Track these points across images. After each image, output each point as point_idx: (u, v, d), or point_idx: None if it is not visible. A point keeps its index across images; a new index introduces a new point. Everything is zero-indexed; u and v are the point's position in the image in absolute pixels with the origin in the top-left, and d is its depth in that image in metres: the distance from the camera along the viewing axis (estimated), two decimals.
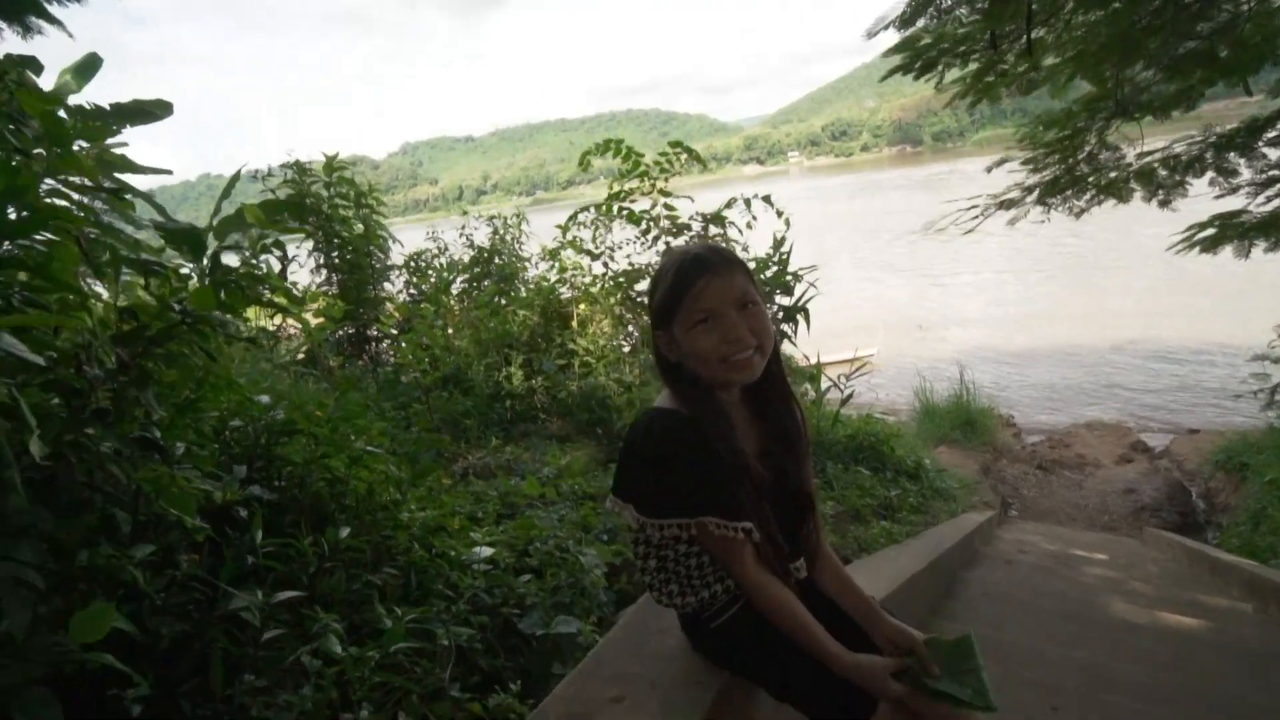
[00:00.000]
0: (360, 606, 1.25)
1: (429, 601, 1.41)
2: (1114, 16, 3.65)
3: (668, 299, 0.99)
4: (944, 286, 18.35)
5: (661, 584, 1.02)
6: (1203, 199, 4.24)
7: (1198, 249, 4.56)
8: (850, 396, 5.49)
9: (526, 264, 6.19)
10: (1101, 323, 13.02)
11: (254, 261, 5.28)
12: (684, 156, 4.86)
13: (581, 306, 4.39)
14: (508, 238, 6.45)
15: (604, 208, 4.97)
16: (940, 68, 3.71)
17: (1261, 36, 3.57)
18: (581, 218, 5.00)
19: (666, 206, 4.85)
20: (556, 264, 4.77)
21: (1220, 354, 10.38)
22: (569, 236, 4.87)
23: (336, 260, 5.70)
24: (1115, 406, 9.54)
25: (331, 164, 5.48)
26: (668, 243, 4.91)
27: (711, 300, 0.96)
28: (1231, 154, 4.12)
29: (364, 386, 4.24)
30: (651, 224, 4.88)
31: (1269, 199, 4.17)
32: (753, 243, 5.04)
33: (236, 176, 5.43)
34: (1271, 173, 4.07)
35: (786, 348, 5.46)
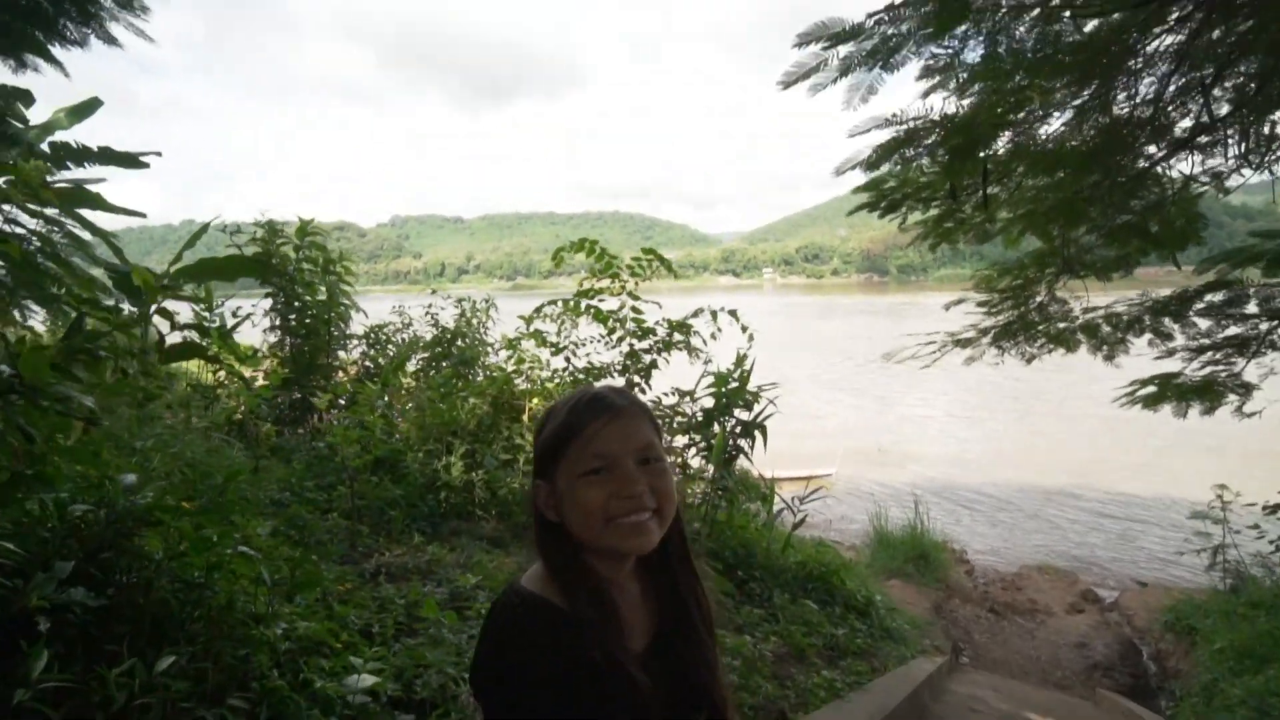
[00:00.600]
0: None
1: None
2: (1058, 185, 3.95)
3: (554, 439, 0.82)
4: (903, 413, 18.80)
5: None
6: (1147, 356, 4.43)
7: (1140, 404, 4.73)
8: (803, 520, 5.33)
9: (490, 349, 6.10)
10: (1051, 465, 13.34)
11: (206, 315, 5.03)
12: (655, 264, 4.95)
13: (535, 401, 4.26)
14: (474, 321, 6.40)
15: (571, 303, 4.97)
16: (904, 210, 3.91)
17: (1184, 219, 3.90)
18: (548, 310, 4.98)
19: (634, 309, 4.87)
20: (515, 354, 4.68)
21: (1160, 507, 10.62)
22: (532, 328, 4.81)
23: (294, 323, 5.53)
24: (1062, 552, 9.55)
25: (305, 228, 5.44)
26: (631, 344, 4.89)
27: (608, 445, 0.80)
28: (1166, 319, 4.36)
29: (294, 460, 3.95)
30: (618, 324, 4.87)
31: (1202, 364, 4.39)
32: (717, 355, 5.06)
33: (204, 228, 5.30)
34: (1202, 341, 4.31)
35: (743, 463, 5.36)
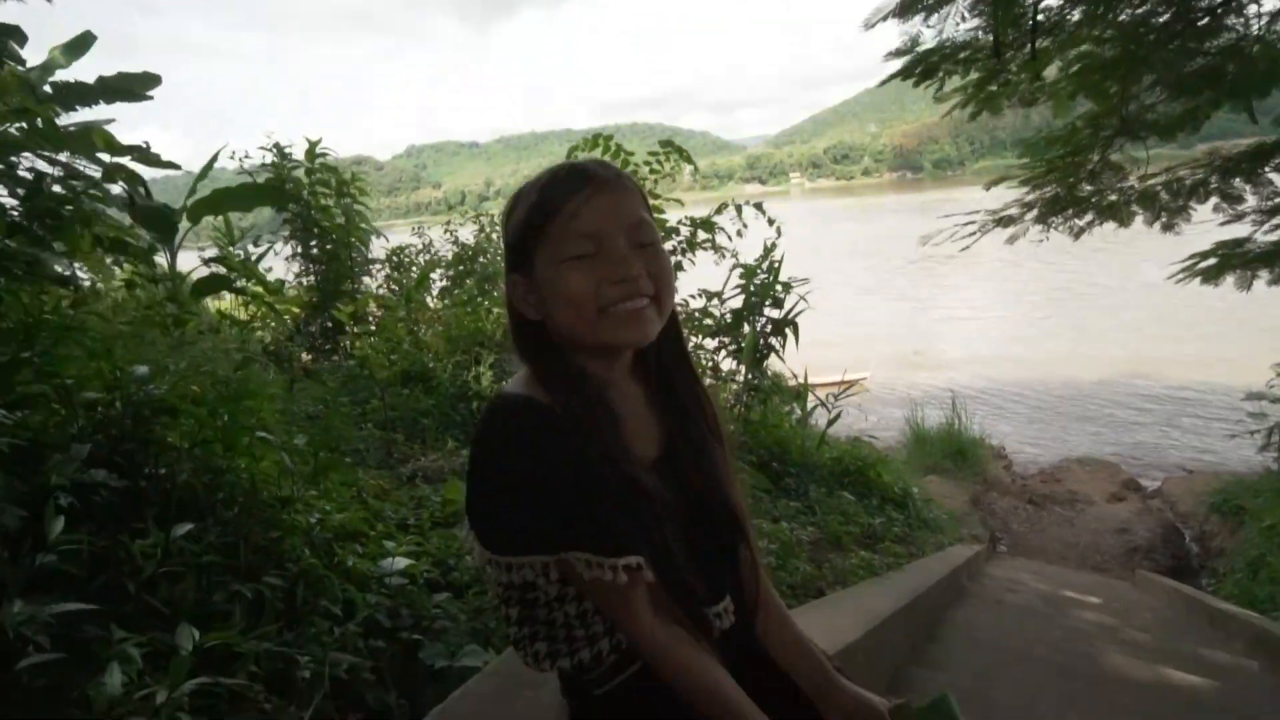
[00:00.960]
0: (214, 623, 1.02)
1: (310, 621, 1.18)
2: (1121, 31, 3.52)
3: (528, 223, 0.69)
4: (940, 315, 18.27)
5: (526, 640, 0.72)
6: (1207, 226, 4.09)
7: (1199, 279, 4.42)
8: (838, 417, 5.29)
9: None
10: (1096, 359, 12.91)
11: (231, 249, 5.00)
12: (675, 160, 4.70)
13: None
14: (494, 236, 6.28)
15: None
16: (941, 74, 3.57)
17: (1269, 59, 3.45)
18: None
19: (654, 208, 4.68)
20: None
21: (1213, 393, 10.25)
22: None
23: (314, 250, 5.50)
24: (1106, 443, 9.38)
25: (313, 150, 5.29)
26: None
27: (594, 223, 0.67)
28: (1236, 179, 3.98)
29: (327, 380, 4.01)
30: None
31: (1274, 227, 4.04)
32: (744, 255, 4.86)
33: (214, 158, 5.16)
34: (1277, 200, 3.94)
35: (775, 365, 5.27)
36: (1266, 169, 3.91)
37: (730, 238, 4.84)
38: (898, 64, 3.49)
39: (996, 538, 5.97)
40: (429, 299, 5.63)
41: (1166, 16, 3.48)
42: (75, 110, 2.99)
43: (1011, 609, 2.92)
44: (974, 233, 4.17)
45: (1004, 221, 4.16)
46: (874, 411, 10.70)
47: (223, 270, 4.44)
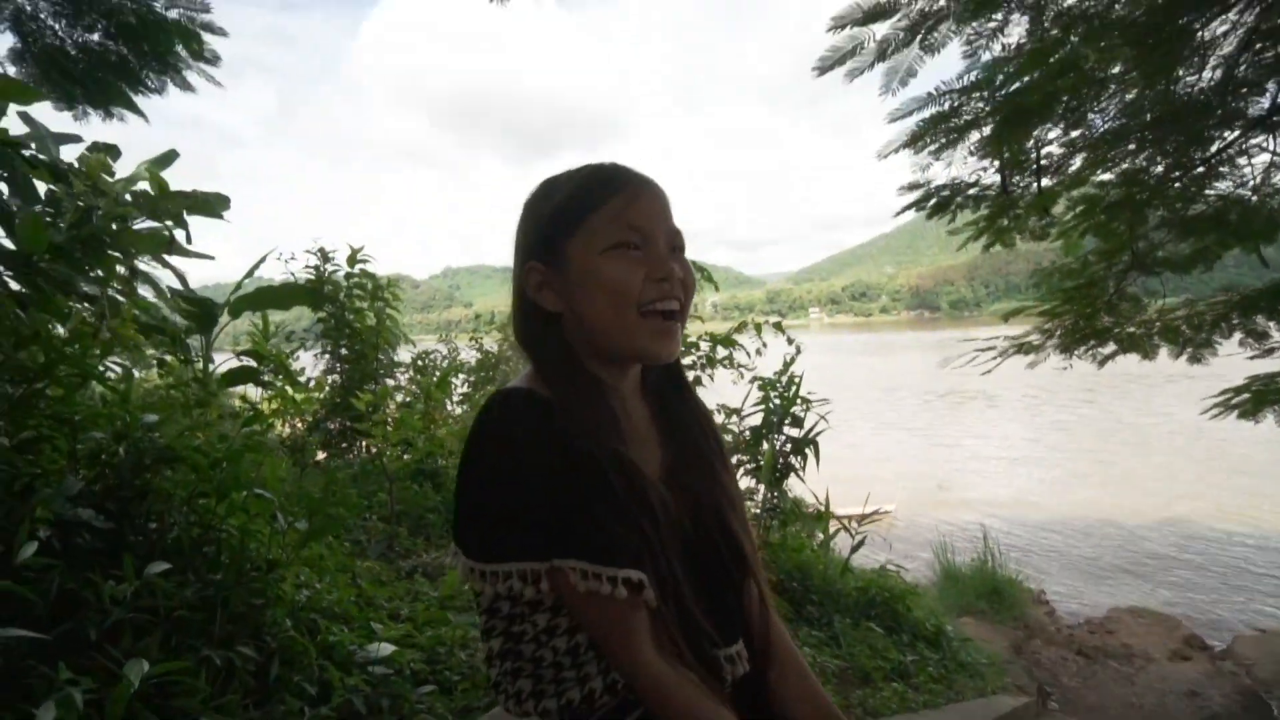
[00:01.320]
0: (177, 686, 0.93)
1: (281, 699, 1.07)
2: (1122, 176, 3.73)
3: (566, 212, 0.68)
4: (963, 452, 17.86)
5: (508, 677, 0.64)
6: (1236, 359, 4.06)
7: (1235, 413, 4.30)
8: (862, 543, 5.02)
9: None
10: (1130, 501, 12.33)
11: (263, 342, 5.19)
12: (698, 276, 4.89)
13: None
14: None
15: None
16: (953, 208, 3.76)
17: (1270, 208, 3.60)
18: None
19: None
20: None
21: (1266, 540, 9.61)
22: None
23: (344, 350, 5.69)
24: (1154, 593, 8.69)
25: (355, 255, 5.64)
26: None
27: (642, 218, 0.67)
28: (1258, 316, 4.00)
29: (340, 475, 3.98)
30: None
31: None
32: (763, 374, 4.90)
33: (262, 260, 5.50)
34: None
35: (796, 488, 5.10)
36: None
37: (750, 355, 4.91)
38: (911, 197, 3.71)
39: (1045, 691, 5.37)
40: (449, 403, 5.70)
41: (1163, 165, 3.69)
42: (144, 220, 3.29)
43: None
44: (995, 357, 4.18)
45: (1025, 348, 4.18)
46: (899, 545, 10.16)
47: (252, 363, 4.60)
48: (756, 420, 4.86)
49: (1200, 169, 3.63)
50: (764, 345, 5.03)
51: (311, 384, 4.41)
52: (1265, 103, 3.26)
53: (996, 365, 4.19)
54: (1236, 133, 3.44)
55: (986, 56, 2.74)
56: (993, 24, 2.56)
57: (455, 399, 5.97)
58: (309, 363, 5.16)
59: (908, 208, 3.90)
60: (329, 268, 5.28)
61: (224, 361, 4.32)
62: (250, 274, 4.76)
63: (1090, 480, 14.24)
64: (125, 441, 1.15)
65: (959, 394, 24.27)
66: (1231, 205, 3.65)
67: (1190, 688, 5.59)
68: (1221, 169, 3.62)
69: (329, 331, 5.35)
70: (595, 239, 0.67)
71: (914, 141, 2.69)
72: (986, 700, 3.43)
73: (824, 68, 2.69)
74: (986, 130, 2.85)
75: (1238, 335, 4.06)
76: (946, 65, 2.78)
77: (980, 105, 2.76)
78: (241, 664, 1.10)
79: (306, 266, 5.33)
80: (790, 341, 4.99)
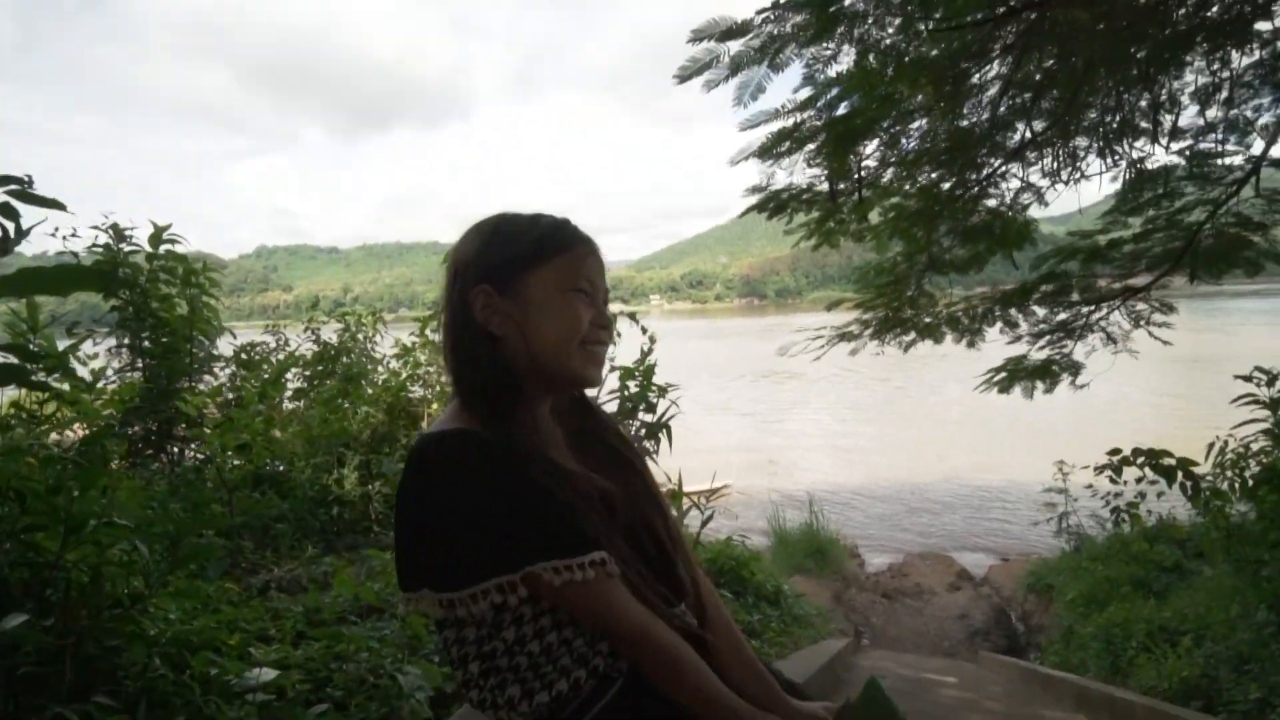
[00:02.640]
0: None
1: None
2: (920, 190, 4.41)
3: (532, 251, 0.77)
4: (788, 427, 19.86)
5: (495, 689, 0.70)
6: (999, 343, 5.00)
7: (995, 389, 5.32)
8: (711, 517, 5.43)
9: (378, 366, 5.72)
10: (921, 463, 14.62)
11: (30, 334, 4.35)
12: None
13: (434, 406, 4.04)
14: (360, 336, 6.00)
15: None
16: (789, 211, 4.19)
17: (1020, 222, 4.49)
18: (443, 317, 4.77)
19: None
20: (410, 359, 4.43)
21: (1016, 488, 11.94)
22: (426, 335, 4.59)
23: (147, 343, 4.88)
24: (937, 536, 10.46)
25: (159, 235, 4.86)
26: None
27: (594, 273, 0.79)
28: (1012, 309, 4.98)
29: (153, 488, 3.45)
30: None
31: (1040, 348, 5.04)
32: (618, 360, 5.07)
33: (25, 231, 4.61)
34: (1040, 326, 4.96)
35: (650, 468, 5.37)
36: (1029, 302, 4.94)
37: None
38: (755, 199, 4.06)
39: (859, 631, 6.26)
40: (283, 400, 5.15)
41: (950, 183, 4.43)
42: None
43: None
44: (823, 345, 4.73)
45: (846, 336, 4.78)
46: (739, 516, 11.12)
47: (12, 359, 3.80)
48: (613, 407, 5.03)
49: (975, 188, 4.41)
50: (619, 335, 5.21)
51: (112, 383, 3.76)
52: (1017, 138, 4.01)
53: (824, 352, 4.75)
54: (999, 160, 4.20)
55: (822, 78, 3.10)
56: (828, 51, 2.90)
57: (288, 395, 5.41)
58: (102, 359, 4.37)
59: (751, 209, 4.27)
60: (125, 248, 4.49)
61: None
62: (5, 251, 3.91)
63: (888, 448, 16.61)
64: None
65: (780, 375, 26.89)
66: (996, 219, 4.47)
67: (960, 612, 6.87)
68: (989, 189, 4.42)
69: (126, 322, 4.56)
70: (557, 279, 0.77)
71: (764, 153, 2.97)
72: (817, 646, 3.95)
73: (684, 77, 2.86)
74: (820, 143, 3.22)
75: (999, 325, 5.03)
76: (792, 81, 3.09)
77: (817, 123, 3.11)
78: (100, 717, 0.97)
79: (93, 246, 4.48)
80: (644, 331, 5.22)
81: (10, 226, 1.39)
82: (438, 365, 4.53)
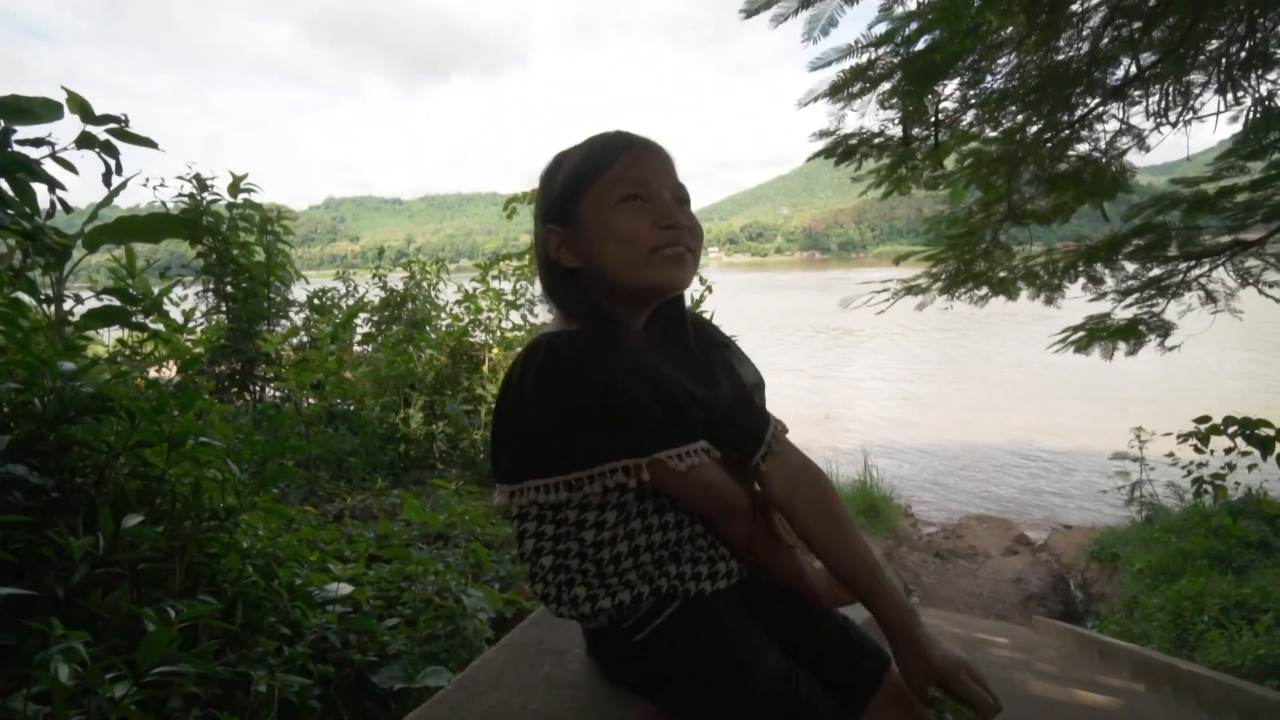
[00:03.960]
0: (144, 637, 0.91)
1: (256, 641, 1.08)
2: (1004, 135, 4.09)
3: (577, 175, 0.75)
4: (844, 383, 19.41)
5: (563, 586, 0.74)
6: (1079, 301, 4.68)
7: (1072, 349, 5.01)
8: None
9: (441, 313, 5.90)
10: (984, 424, 14.07)
11: (128, 280, 4.66)
12: None
13: (495, 351, 4.15)
14: (424, 284, 6.18)
15: (526, 259, 4.85)
16: (858, 157, 3.98)
17: (1115, 170, 4.11)
18: (503, 266, 4.84)
19: None
20: (471, 306, 4.54)
21: (1086, 455, 11.39)
22: (489, 283, 4.67)
23: (230, 288, 5.18)
24: (999, 500, 10.14)
25: (237, 184, 5.09)
26: None
27: (645, 174, 0.75)
28: (1097, 264, 4.63)
29: (239, 420, 3.72)
30: None
31: (1127, 306, 4.69)
32: None
33: (124, 183, 4.89)
34: (1129, 283, 4.60)
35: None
36: (1118, 256, 4.57)
37: None
38: (822, 144, 3.86)
39: (909, 589, 6.22)
40: (353, 343, 5.42)
41: (1038, 126, 4.09)
42: None
43: None
44: (889, 298, 4.56)
45: (914, 290, 4.58)
46: None
47: (116, 303, 4.09)
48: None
49: (1066, 132, 4.06)
50: None
51: (200, 325, 4.02)
52: (1119, 74, 3.64)
53: (890, 305, 4.58)
54: (1096, 100, 3.83)
55: (900, 10, 2.88)
56: None
57: (357, 339, 5.67)
58: (191, 302, 4.67)
59: (818, 154, 4.07)
60: (207, 197, 4.72)
61: (83, 302, 3.82)
62: (107, 201, 4.18)
63: (952, 405, 16.05)
64: (42, 392, 1.05)
65: (839, 330, 26.16)
66: (1087, 165, 4.12)
67: (1017, 576, 6.70)
68: (1082, 133, 4.06)
69: (210, 268, 4.85)
70: (605, 196, 0.74)
71: (835, 92, 2.81)
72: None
73: (751, 10, 2.71)
74: (896, 82, 3.01)
75: (1081, 281, 4.70)
76: (867, 15, 2.89)
77: (893, 61, 2.91)
78: (203, 609, 1.08)
79: (179, 196, 4.73)
80: (702, 280, 5.16)
81: (112, 163, 1.48)
82: (499, 311, 4.63)
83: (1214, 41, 2.98)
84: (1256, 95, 2.96)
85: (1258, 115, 3.01)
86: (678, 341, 0.85)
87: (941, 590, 6.42)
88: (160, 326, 4.09)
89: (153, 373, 4.42)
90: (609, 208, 0.73)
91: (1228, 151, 3.62)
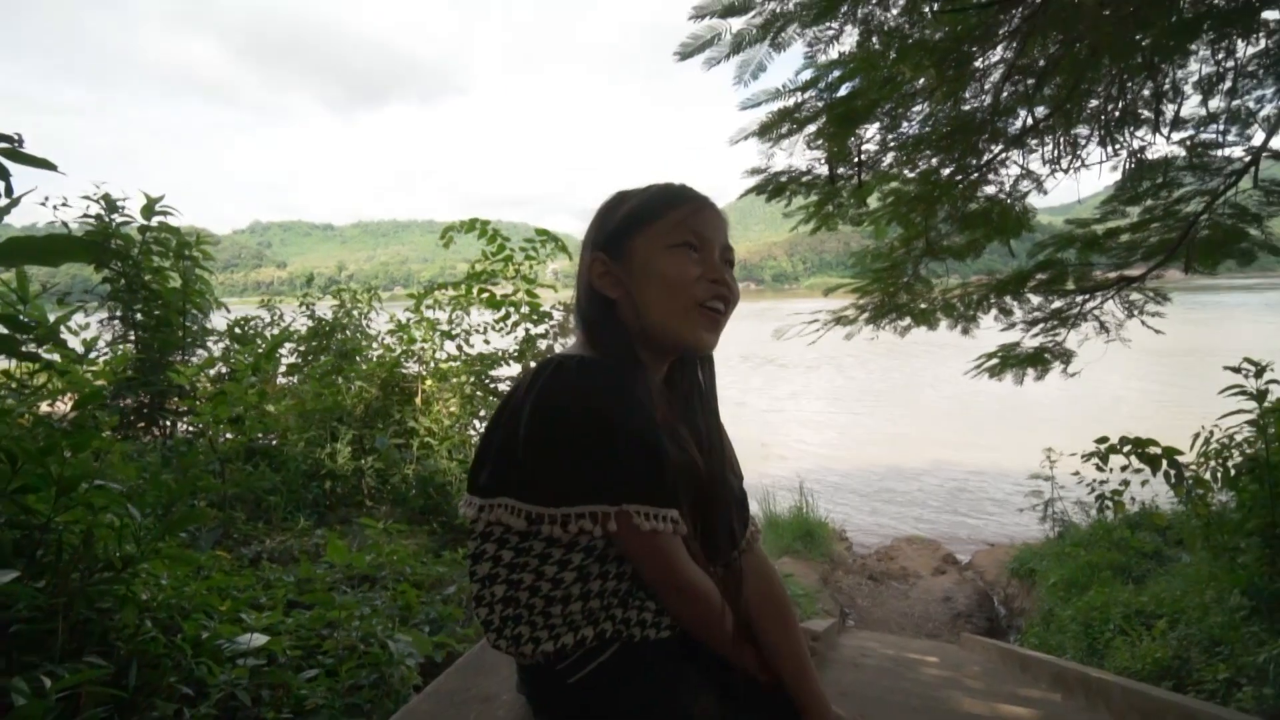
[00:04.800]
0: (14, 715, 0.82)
1: (150, 705, 0.99)
2: (920, 176, 4.39)
3: (640, 211, 0.77)
4: (779, 413, 19.95)
5: (509, 622, 0.72)
6: (992, 330, 5.02)
7: (987, 374, 5.35)
8: None
9: (373, 343, 5.70)
10: (909, 449, 14.73)
11: (20, 305, 4.31)
12: (550, 245, 4.89)
13: (428, 383, 4.04)
14: (355, 313, 5.97)
15: (463, 288, 4.78)
16: (788, 194, 4.17)
17: (1019, 209, 4.47)
18: (438, 295, 4.75)
19: (529, 293, 4.78)
20: (404, 336, 4.41)
21: (1002, 475, 12.07)
22: (421, 313, 4.56)
23: (139, 315, 4.84)
24: (924, 521, 10.58)
25: (151, 206, 4.80)
26: (527, 329, 4.80)
27: (703, 227, 0.76)
28: (1007, 297, 4.99)
29: (145, 459, 3.45)
30: (512, 309, 4.75)
31: (1034, 335, 5.07)
32: None
33: (15, 200, 4.56)
34: (1035, 314, 4.98)
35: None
36: (1025, 290, 4.95)
37: None
38: (754, 180, 4.03)
39: (845, 612, 6.36)
40: (277, 375, 5.14)
41: (950, 168, 4.41)
42: None
43: (867, 669, 3.11)
44: (819, 329, 4.74)
45: (842, 321, 4.79)
46: None
47: (4, 330, 3.76)
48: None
49: (975, 174, 4.39)
50: None
51: (104, 355, 3.73)
52: (1018, 124, 3.98)
53: (820, 336, 4.76)
54: (1000, 147, 4.17)
55: (823, 59, 3.07)
56: (831, 31, 2.87)
57: (282, 370, 5.39)
58: (94, 330, 4.34)
59: (750, 190, 4.24)
60: (116, 218, 4.44)
61: None
62: None
63: (878, 434, 16.72)
64: None
65: (774, 362, 27.00)
66: (995, 205, 4.46)
67: (945, 595, 6.98)
68: (989, 175, 4.40)
69: (118, 294, 4.52)
70: (660, 238, 0.76)
71: (764, 132, 2.94)
72: (804, 625, 4.01)
73: (685, 54, 2.82)
74: (821, 125, 3.19)
75: (993, 312, 5.04)
76: (793, 62, 3.06)
77: (818, 104, 3.09)
78: (89, 673, 0.98)
79: (84, 216, 4.42)
80: None
81: (0, 186, 1.38)
82: (433, 342, 4.52)
83: (1094, 100, 3.31)
84: (1130, 148, 3.30)
85: (1132, 166, 3.35)
86: (699, 405, 0.85)
87: (876, 612, 6.60)
88: (56, 357, 3.77)
89: (45, 408, 4.05)
90: (662, 249, 0.75)
91: (1110, 197, 4.00)
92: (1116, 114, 3.19)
